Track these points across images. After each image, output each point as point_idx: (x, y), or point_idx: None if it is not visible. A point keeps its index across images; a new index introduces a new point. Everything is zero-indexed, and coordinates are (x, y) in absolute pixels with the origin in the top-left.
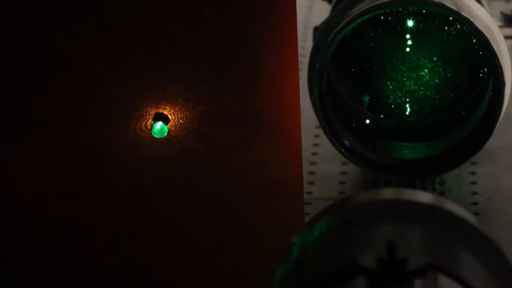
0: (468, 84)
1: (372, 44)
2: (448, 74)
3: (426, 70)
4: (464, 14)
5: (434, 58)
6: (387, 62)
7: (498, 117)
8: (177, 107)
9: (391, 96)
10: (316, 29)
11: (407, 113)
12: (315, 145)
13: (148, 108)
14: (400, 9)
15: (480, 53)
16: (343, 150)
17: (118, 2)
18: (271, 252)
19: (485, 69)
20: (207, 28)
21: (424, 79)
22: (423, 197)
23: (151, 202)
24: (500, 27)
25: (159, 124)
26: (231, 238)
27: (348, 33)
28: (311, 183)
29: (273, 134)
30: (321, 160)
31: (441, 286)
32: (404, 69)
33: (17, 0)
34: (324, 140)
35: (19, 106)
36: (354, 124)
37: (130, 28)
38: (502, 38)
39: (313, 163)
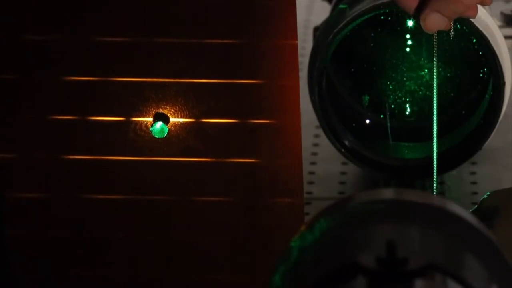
0: (468, 84)
1: (372, 44)
2: (448, 74)
3: (426, 70)
4: None
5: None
6: (387, 62)
7: (498, 117)
8: (177, 107)
9: (391, 96)
10: (316, 29)
11: (407, 113)
12: (315, 145)
13: (148, 108)
14: (400, 9)
15: (480, 53)
16: (343, 150)
17: (119, 2)
18: (271, 252)
19: (485, 69)
20: (207, 28)
21: (424, 79)
22: (423, 197)
23: (151, 202)
24: (500, 27)
25: (159, 124)
26: (231, 238)
27: (348, 33)
28: (311, 183)
29: (273, 134)
30: (321, 160)
31: (441, 286)
32: (404, 69)
33: (17, 0)
34: (324, 140)
35: (19, 106)
36: (354, 124)
37: (131, 28)
38: (502, 38)
39: (313, 163)
